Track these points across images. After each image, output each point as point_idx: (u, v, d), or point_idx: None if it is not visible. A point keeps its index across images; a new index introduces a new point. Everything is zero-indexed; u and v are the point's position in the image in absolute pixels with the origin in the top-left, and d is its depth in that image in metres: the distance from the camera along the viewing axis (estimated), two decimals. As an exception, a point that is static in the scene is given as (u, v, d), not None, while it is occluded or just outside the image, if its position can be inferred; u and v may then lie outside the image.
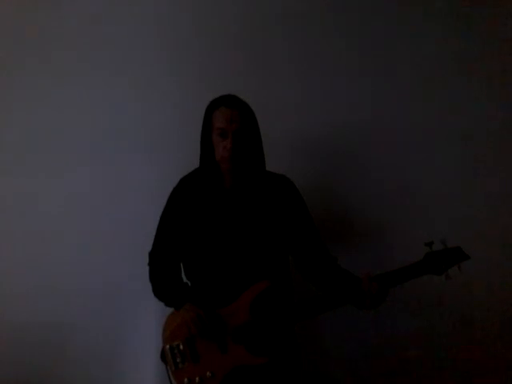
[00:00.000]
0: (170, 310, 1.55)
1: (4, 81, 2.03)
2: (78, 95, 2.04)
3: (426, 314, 1.99)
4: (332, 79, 2.06)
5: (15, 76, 2.03)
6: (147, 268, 1.62)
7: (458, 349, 1.99)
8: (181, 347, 1.47)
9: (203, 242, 1.52)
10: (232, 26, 2.05)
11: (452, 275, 1.38)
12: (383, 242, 2.03)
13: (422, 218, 2.01)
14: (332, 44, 2.06)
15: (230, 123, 1.44)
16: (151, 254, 1.62)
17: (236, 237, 1.49)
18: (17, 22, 2.03)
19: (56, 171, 2.03)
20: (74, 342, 2.02)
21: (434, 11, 2.04)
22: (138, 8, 2.04)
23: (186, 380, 1.45)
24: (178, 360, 1.47)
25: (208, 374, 1.44)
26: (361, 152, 2.05)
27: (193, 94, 1.96)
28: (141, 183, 2.03)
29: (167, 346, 1.49)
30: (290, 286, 1.57)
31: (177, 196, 1.59)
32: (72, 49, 2.03)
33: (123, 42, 2.04)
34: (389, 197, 2.03)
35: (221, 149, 1.46)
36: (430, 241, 1.40)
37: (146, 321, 1.97)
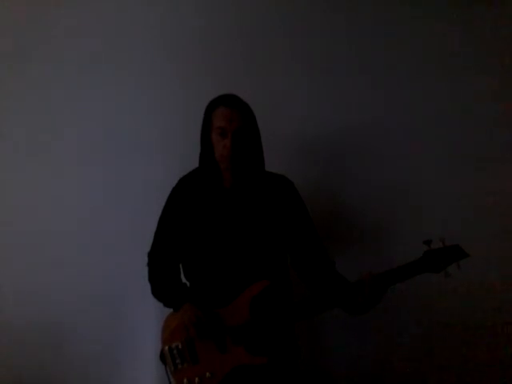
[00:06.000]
0: (169, 310, 1.55)
1: (4, 79, 2.03)
2: (79, 95, 2.04)
3: (426, 313, 1.99)
4: (332, 79, 2.05)
5: (16, 75, 2.03)
6: (146, 268, 1.62)
7: (458, 348, 1.99)
8: (180, 348, 1.47)
9: (202, 242, 1.52)
10: (233, 27, 2.05)
11: (452, 273, 1.37)
12: (383, 242, 2.03)
13: (421, 218, 2.00)
14: (332, 44, 2.05)
15: (229, 122, 1.44)
16: (150, 255, 1.62)
17: (235, 236, 1.49)
18: (19, 19, 2.03)
19: (56, 171, 2.04)
20: (74, 341, 2.02)
21: (433, 11, 2.03)
22: (140, 8, 2.05)
23: (185, 380, 1.45)
24: (177, 361, 1.47)
25: (207, 374, 1.44)
26: (361, 152, 2.04)
27: (193, 94, 1.95)
28: (141, 183, 2.03)
29: (166, 347, 1.48)
30: (288, 285, 1.57)
31: (176, 196, 1.59)
32: (72, 48, 2.04)
33: (124, 42, 2.04)
34: (389, 197, 2.03)
35: (220, 148, 1.46)
36: (428, 239, 1.39)
37: (145, 321, 1.98)
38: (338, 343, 2.02)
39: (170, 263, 1.60)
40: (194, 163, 1.59)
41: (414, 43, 2.04)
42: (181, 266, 1.62)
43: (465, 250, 1.39)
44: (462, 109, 2.01)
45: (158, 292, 1.58)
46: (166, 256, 1.60)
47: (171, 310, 1.54)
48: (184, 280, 1.61)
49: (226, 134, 1.44)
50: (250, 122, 1.49)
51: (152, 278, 1.60)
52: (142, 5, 2.05)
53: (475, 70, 2.02)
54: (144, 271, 1.61)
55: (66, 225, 2.03)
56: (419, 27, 2.03)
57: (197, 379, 1.44)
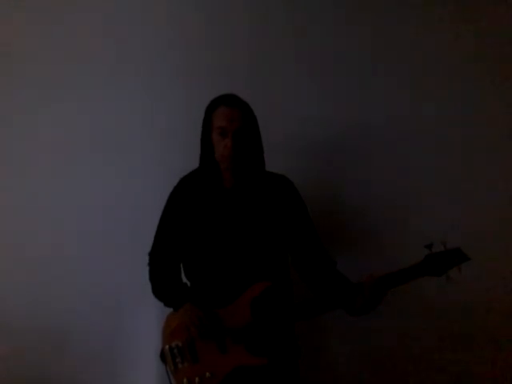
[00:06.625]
0: (169, 309, 1.55)
1: (4, 79, 2.03)
2: (79, 95, 2.04)
3: (426, 315, 1.99)
4: (332, 79, 2.05)
5: (16, 75, 2.03)
6: (147, 268, 1.62)
7: (459, 349, 1.99)
8: (180, 347, 1.47)
9: (203, 242, 1.52)
10: (233, 27, 2.05)
11: (453, 277, 1.37)
12: (383, 242, 2.03)
13: (422, 218, 2.00)
14: (332, 44, 2.05)
15: (230, 122, 1.43)
16: (151, 254, 1.62)
17: (236, 236, 1.49)
18: (19, 18, 2.03)
19: (56, 171, 2.04)
20: (74, 342, 2.02)
21: (434, 10, 2.03)
22: (141, 8, 2.04)
23: (185, 380, 1.45)
24: (178, 360, 1.47)
25: (207, 374, 1.44)
26: (361, 152, 2.04)
27: (194, 94, 1.94)
28: (141, 183, 2.03)
29: (167, 347, 1.49)
30: (289, 286, 1.56)
31: (176, 196, 1.59)
32: (72, 49, 2.03)
33: (124, 42, 2.04)
34: (389, 197, 2.03)
35: (221, 148, 1.46)
36: (429, 242, 1.39)
37: (145, 321, 1.98)
38: (338, 343, 2.03)
39: (170, 263, 1.60)
40: (194, 163, 1.59)
41: (414, 43, 2.03)
42: (181, 265, 1.62)
43: (466, 253, 1.39)
44: (462, 109, 2.01)
45: (158, 292, 1.58)
46: (166, 256, 1.60)
47: (172, 309, 1.54)
48: (185, 280, 1.61)
49: (226, 134, 1.44)
50: (250, 122, 1.49)
51: (153, 278, 1.60)
52: (142, 4, 2.05)
53: (476, 70, 2.01)
54: (144, 271, 1.61)
55: (66, 225, 2.03)
56: (419, 27, 2.03)
57: (197, 379, 1.44)
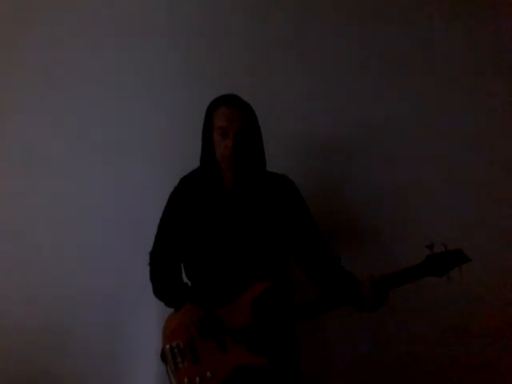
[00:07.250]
0: (170, 309, 1.55)
1: (4, 79, 2.03)
2: (79, 95, 2.04)
3: (426, 316, 1.99)
4: (332, 79, 2.05)
5: (16, 75, 2.03)
6: (148, 268, 1.62)
7: (458, 350, 1.99)
8: (181, 347, 1.47)
9: (204, 242, 1.52)
10: (234, 27, 2.05)
11: (454, 277, 1.38)
12: (383, 242, 2.03)
13: (422, 218, 2.00)
14: (332, 44, 2.05)
15: (231, 122, 1.44)
16: (152, 254, 1.62)
17: (237, 236, 1.49)
18: (20, 18, 2.03)
19: (56, 171, 2.04)
20: (74, 341, 2.02)
21: (434, 10, 2.03)
22: (141, 8, 2.04)
23: (186, 380, 1.45)
24: (178, 360, 1.47)
25: (208, 374, 1.44)
26: (361, 152, 2.04)
27: (194, 94, 1.95)
28: (141, 183, 2.03)
29: (167, 346, 1.49)
30: (290, 286, 1.56)
31: (177, 196, 1.59)
32: (72, 48, 2.03)
33: (124, 42, 2.04)
34: (389, 197, 2.03)
35: (222, 148, 1.46)
36: (430, 243, 1.39)
37: (146, 321, 1.98)
38: (338, 343, 2.03)
39: (171, 263, 1.60)
40: (194, 163, 1.59)
41: (413, 43, 2.04)
42: (182, 265, 1.62)
43: (467, 254, 1.39)
44: (462, 109, 2.01)
45: (159, 291, 1.58)
46: (167, 256, 1.59)
47: (173, 309, 1.54)
48: (185, 280, 1.61)
49: (227, 134, 1.44)
50: (251, 122, 1.49)
51: (153, 278, 1.60)
52: (143, 4, 2.05)
53: (475, 70, 2.02)
54: (145, 271, 1.61)
55: (66, 225, 2.03)
56: (419, 27, 2.03)
57: (197, 379, 1.44)
